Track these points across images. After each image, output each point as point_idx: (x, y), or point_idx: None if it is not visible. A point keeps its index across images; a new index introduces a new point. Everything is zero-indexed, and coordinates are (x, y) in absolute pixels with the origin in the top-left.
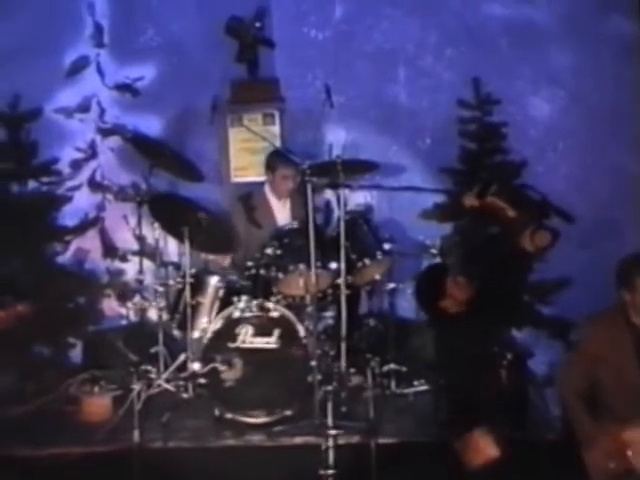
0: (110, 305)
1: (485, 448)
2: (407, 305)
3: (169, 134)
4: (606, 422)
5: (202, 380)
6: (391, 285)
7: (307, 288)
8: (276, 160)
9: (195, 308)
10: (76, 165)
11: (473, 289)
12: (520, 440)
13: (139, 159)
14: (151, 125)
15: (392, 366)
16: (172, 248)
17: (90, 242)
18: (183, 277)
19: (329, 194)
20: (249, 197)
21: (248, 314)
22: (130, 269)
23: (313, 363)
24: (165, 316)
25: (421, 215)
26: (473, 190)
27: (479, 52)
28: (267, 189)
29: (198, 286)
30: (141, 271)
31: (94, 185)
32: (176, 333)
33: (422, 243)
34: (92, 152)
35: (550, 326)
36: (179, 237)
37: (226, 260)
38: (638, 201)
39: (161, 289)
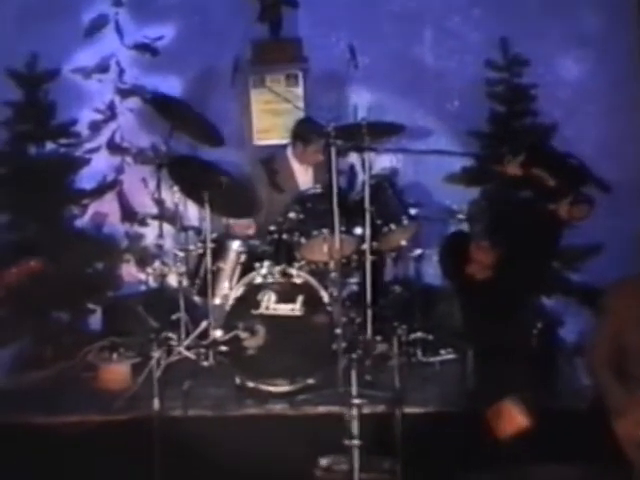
0: (129, 270)
1: (515, 417)
2: (433, 272)
3: (189, 95)
4: (636, 391)
5: (223, 348)
6: (417, 251)
7: (331, 254)
8: (307, 131)
9: (216, 274)
10: (95, 127)
11: (498, 253)
12: (550, 409)
13: (159, 121)
14: (171, 86)
15: (418, 334)
16: (192, 212)
17: (108, 206)
18: (203, 242)
19: (353, 157)
20: (271, 160)
21: (270, 280)
22: (149, 234)
23: (338, 331)
24: (185, 282)
25: (448, 179)
26: (516, 158)
27: (507, 12)
28: (290, 152)
29: (219, 251)
30: (161, 236)
31: (113, 147)
32: (197, 299)
33: (449, 208)
34: (111, 113)
35: (580, 294)
36: (199, 201)
37: (250, 228)
38: None
39: (181, 254)
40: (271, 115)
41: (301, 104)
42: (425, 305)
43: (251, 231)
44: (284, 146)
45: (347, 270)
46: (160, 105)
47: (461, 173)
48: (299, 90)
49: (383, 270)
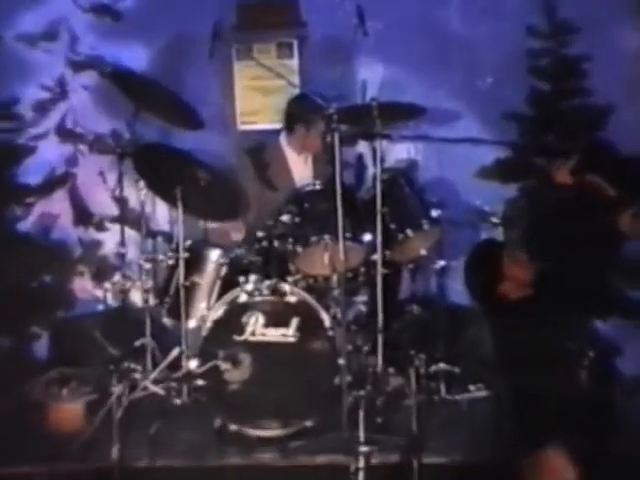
0: (83, 285)
1: (560, 470)
2: (460, 288)
3: (159, 69)
4: None
5: (200, 382)
6: (440, 263)
7: (334, 266)
8: (302, 110)
9: (191, 290)
10: (41, 108)
11: (539, 267)
12: (607, 457)
13: (121, 100)
14: (136, 57)
15: (441, 366)
16: (162, 214)
17: (58, 205)
18: (176, 251)
19: (362, 146)
20: (260, 150)
21: (258, 298)
22: (108, 240)
23: (341, 361)
24: (153, 300)
25: (479, 174)
26: (567, 162)
27: None
28: (284, 140)
29: (195, 262)
30: (122, 243)
31: (64, 133)
32: (167, 322)
33: (480, 209)
34: (61, 91)
35: None
36: (171, 200)
37: (234, 234)
38: None
39: (148, 266)
40: (259, 94)
41: (296, 80)
42: (450, 330)
43: (235, 237)
44: (276, 132)
45: (353, 286)
46: (122, 81)
47: (495, 166)
48: (294, 62)
49: (398, 286)
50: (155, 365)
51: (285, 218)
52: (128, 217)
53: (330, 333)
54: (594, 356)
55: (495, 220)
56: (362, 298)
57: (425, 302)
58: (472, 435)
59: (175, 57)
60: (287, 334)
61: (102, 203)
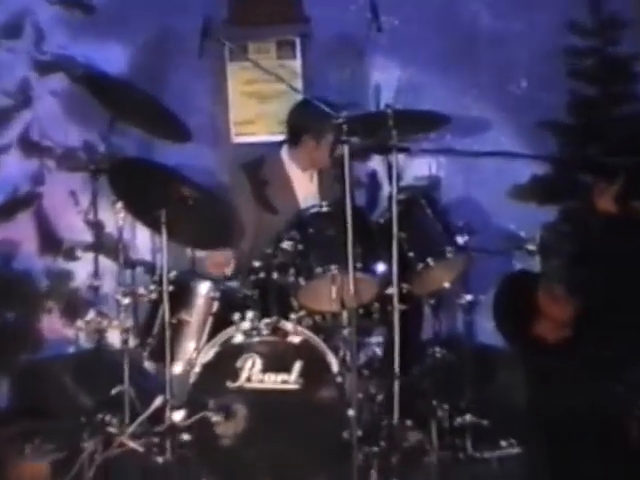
0: (52, 324)
1: None
2: (490, 327)
3: (139, 71)
4: None
5: (186, 436)
6: (467, 297)
7: (343, 301)
8: (309, 119)
9: (177, 329)
10: (1, 116)
11: (580, 304)
12: None
13: (94, 108)
14: (112, 58)
15: (468, 417)
16: (143, 240)
17: (21, 230)
18: (159, 283)
19: (376, 162)
20: (258, 165)
21: (255, 339)
22: (80, 271)
23: (351, 412)
24: (133, 341)
25: (512, 193)
26: (611, 187)
27: None
28: (286, 154)
29: (181, 297)
30: (97, 274)
31: (28, 146)
32: (149, 366)
33: (514, 235)
34: (24, 98)
35: None
36: (153, 224)
37: (227, 264)
38: None
39: (126, 301)
40: (256, 100)
41: (299, 84)
42: (478, 376)
43: (228, 268)
44: (277, 144)
45: (366, 325)
46: (96, 85)
47: (531, 185)
48: (297, 63)
49: (418, 325)
50: (134, 417)
51: (286, 245)
52: (103, 244)
53: (338, 379)
54: None
55: (531, 248)
56: (376, 339)
57: (449, 343)
58: None
59: (158, 57)
60: (288, 380)
61: (73, 228)
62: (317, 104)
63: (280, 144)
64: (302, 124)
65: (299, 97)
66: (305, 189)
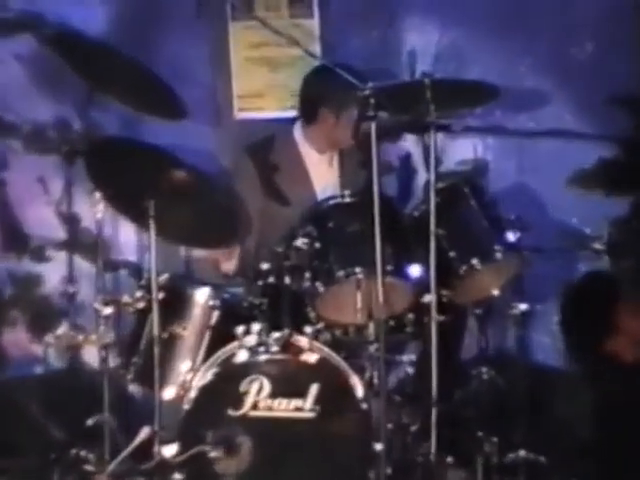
0: (16, 339)
1: None
2: (549, 342)
3: (124, 33)
4: None
5: (179, 476)
6: (521, 306)
7: (369, 311)
8: (328, 88)
9: (169, 345)
10: None
11: None
12: None
13: (68, 76)
14: (91, 15)
15: (521, 453)
16: (127, 237)
17: None
18: (147, 289)
19: (410, 142)
20: (266, 147)
21: (263, 357)
22: (52, 274)
23: (378, 446)
24: (114, 360)
25: (575, 181)
26: None
27: None
28: (299, 133)
29: (174, 305)
30: (71, 278)
31: None
32: (134, 391)
33: (577, 231)
34: None
35: None
36: (139, 218)
37: (229, 266)
38: None
39: (107, 311)
40: (265, 68)
41: (317, 48)
42: (533, 402)
43: (230, 270)
44: (288, 121)
45: (397, 340)
46: (71, 49)
47: (597, 171)
48: (314, 23)
49: (460, 340)
50: (115, 452)
51: (301, 243)
52: (79, 242)
53: (363, 406)
54: None
55: (598, 247)
56: (409, 357)
57: (499, 362)
58: None
59: (146, 16)
60: (303, 407)
61: (42, 222)
62: (338, 72)
63: (293, 121)
64: (319, 95)
65: (317, 63)
66: (323, 175)
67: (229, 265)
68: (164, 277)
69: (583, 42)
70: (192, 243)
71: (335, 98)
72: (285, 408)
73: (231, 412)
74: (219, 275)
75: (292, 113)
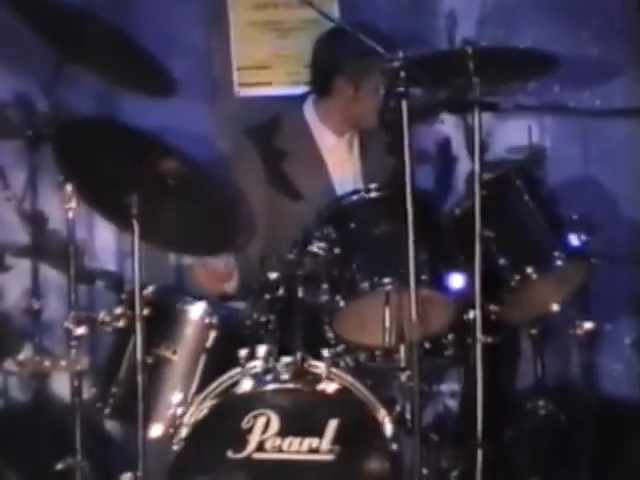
0: None
1: None
2: (622, 369)
3: None
4: None
5: None
6: (586, 325)
7: (400, 331)
8: (344, 55)
9: (156, 372)
10: None
11: None
12: None
13: (33, 45)
14: None
15: None
16: (105, 241)
17: None
18: (129, 304)
19: (449, 124)
20: (272, 129)
21: (271, 387)
22: (12, 286)
23: None
24: (88, 390)
25: None
26: None
27: None
28: (311, 111)
29: (162, 324)
30: (36, 291)
31: None
32: (111, 428)
33: None
34: None
35: None
36: (119, 216)
37: (229, 276)
38: None
39: (80, 330)
40: (271, 34)
41: (335, 10)
42: (602, 441)
43: (229, 283)
44: (298, 99)
45: (435, 365)
46: (36, 12)
47: None
48: None
49: (513, 366)
50: None
51: (317, 248)
52: (46, 247)
53: (393, 447)
54: None
55: None
56: (450, 386)
57: (559, 394)
58: None
59: None
60: (319, 448)
61: (0, 222)
62: (357, 38)
63: (303, 98)
64: (334, 62)
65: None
66: (342, 163)
67: (228, 286)
68: (150, 290)
69: None
70: (183, 248)
71: (353, 65)
72: (297, 449)
73: (231, 454)
74: (219, 290)
75: (303, 89)
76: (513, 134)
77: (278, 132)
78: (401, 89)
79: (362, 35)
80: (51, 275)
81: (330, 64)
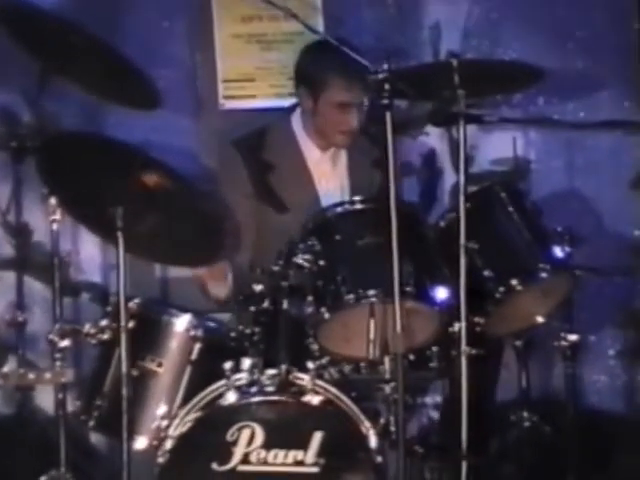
0: None
1: None
2: (606, 381)
3: (82, 3)
4: None
5: None
6: (571, 338)
7: (385, 343)
8: (322, 65)
9: (140, 385)
10: None
11: None
12: None
13: (17, 57)
14: None
15: None
16: (89, 253)
17: None
18: (114, 317)
19: (434, 136)
20: (258, 142)
21: (256, 399)
22: None
23: None
24: (73, 403)
25: (636, 184)
26: None
27: None
28: (298, 123)
29: (147, 336)
30: (20, 304)
31: None
32: (97, 441)
33: None
34: None
35: None
36: (104, 229)
37: (217, 285)
38: None
39: (64, 343)
40: (256, 47)
41: (320, 22)
42: (587, 454)
43: (222, 294)
44: (285, 111)
45: (419, 378)
46: (20, 23)
47: None
48: None
49: (496, 378)
50: None
51: (302, 260)
52: (30, 259)
53: (378, 459)
54: None
55: None
56: (434, 399)
57: (544, 406)
58: None
59: None
60: (304, 461)
61: None
62: (341, 49)
63: (290, 110)
64: (314, 76)
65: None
66: (327, 176)
67: (220, 288)
68: (135, 302)
69: None
70: (169, 260)
71: (311, 76)
72: (282, 462)
73: (216, 467)
74: (209, 301)
75: (288, 101)
76: (498, 146)
77: (265, 144)
78: (386, 101)
79: (344, 46)
80: (36, 287)
81: (296, 75)
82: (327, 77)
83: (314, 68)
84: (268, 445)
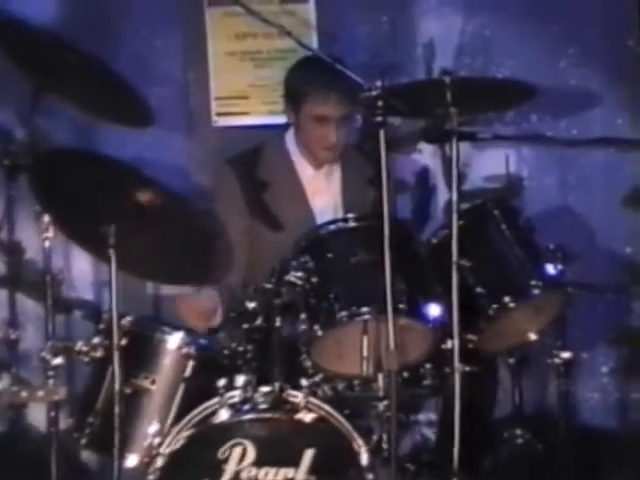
0: None
1: None
2: (599, 398)
3: (77, 21)
4: None
5: None
6: (564, 355)
7: (378, 360)
8: (303, 80)
9: (133, 402)
10: None
11: None
12: None
13: (9, 74)
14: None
15: None
16: (82, 270)
17: None
18: (106, 334)
19: (427, 153)
20: (252, 160)
21: (248, 416)
22: None
23: None
24: (65, 421)
25: (630, 201)
26: None
27: None
28: (292, 142)
29: (140, 354)
30: (13, 322)
31: None
32: (88, 458)
33: (632, 263)
34: None
35: None
36: (96, 247)
37: (209, 307)
38: None
39: (57, 361)
40: (249, 64)
41: (313, 39)
42: (580, 470)
43: (215, 318)
44: (279, 128)
45: (412, 395)
46: (12, 41)
47: None
48: (309, 9)
49: (490, 395)
50: None
51: (295, 278)
52: (22, 277)
53: (369, 476)
54: None
55: None
56: (427, 416)
57: (537, 423)
58: None
59: (104, 1)
60: (295, 478)
61: None
62: (333, 66)
63: (284, 128)
64: (306, 93)
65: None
66: (321, 194)
67: (213, 322)
68: (127, 320)
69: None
70: (161, 278)
71: (294, 89)
72: (273, 479)
73: None
74: (199, 324)
75: (282, 118)
76: (491, 164)
77: (259, 162)
78: (379, 119)
79: (337, 63)
80: (28, 305)
81: (284, 90)
82: (306, 91)
83: (296, 82)
84: (259, 463)
